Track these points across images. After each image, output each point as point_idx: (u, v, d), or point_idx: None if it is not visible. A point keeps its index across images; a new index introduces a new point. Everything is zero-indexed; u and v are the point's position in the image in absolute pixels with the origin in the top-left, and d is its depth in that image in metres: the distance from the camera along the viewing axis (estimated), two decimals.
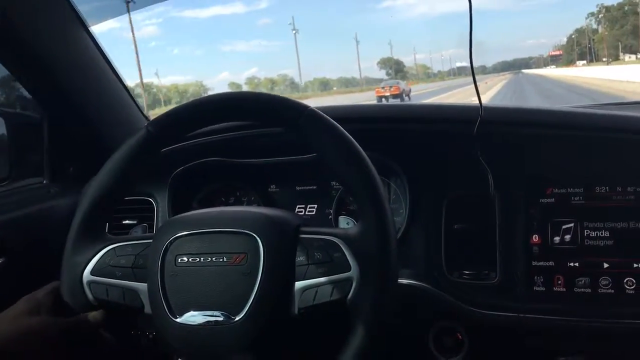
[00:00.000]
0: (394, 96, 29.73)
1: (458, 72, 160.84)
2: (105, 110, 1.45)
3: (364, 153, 0.79)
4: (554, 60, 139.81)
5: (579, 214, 1.05)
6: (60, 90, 1.33)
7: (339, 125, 0.81)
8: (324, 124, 0.81)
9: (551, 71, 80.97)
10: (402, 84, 34.96)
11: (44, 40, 1.24)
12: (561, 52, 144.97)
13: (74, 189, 1.39)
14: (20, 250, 1.24)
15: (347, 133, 0.81)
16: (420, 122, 1.19)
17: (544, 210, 1.07)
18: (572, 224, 1.05)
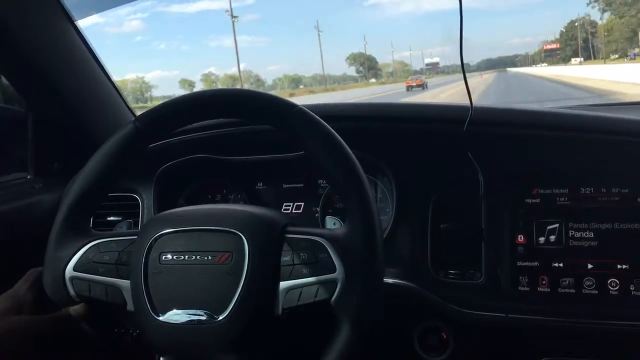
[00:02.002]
0: (419, 86, 40.08)
1: (427, 70, 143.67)
2: (91, 104, 1.44)
3: (351, 153, 0.79)
4: (549, 55, 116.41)
5: (564, 215, 1.06)
6: (45, 84, 1.31)
7: (326, 124, 0.81)
8: (312, 123, 0.81)
9: (543, 70, 64.37)
10: (423, 78, 50.16)
11: (29, 34, 1.22)
12: (558, 46, 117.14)
13: (58, 184, 1.37)
14: (3, 245, 1.22)
15: (334, 132, 0.80)
16: (409, 121, 1.19)
17: (529, 210, 1.08)
18: (557, 225, 1.06)
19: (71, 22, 1.32)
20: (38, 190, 1.37)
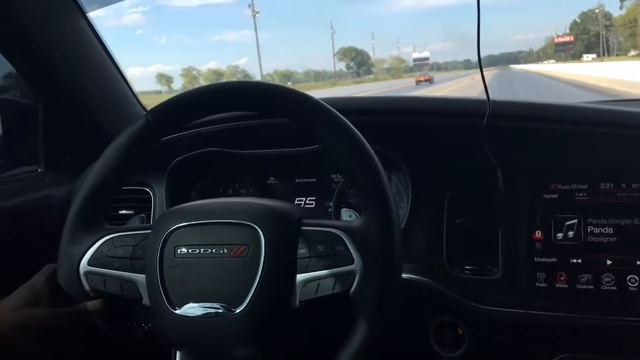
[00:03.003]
0: (426, 80, 45.72)
1: (415, 65, 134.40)
2: (101, 98, 1.43)
3: (367, 145, 0.79)
4: (560, 50, 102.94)
5: (582, 210, 1.05)
6: (56, 76, 1.31)
7: (342, 117, 0.80)
8: (327, 115, 0.80)
9: (554, 68, 53.32)
10: (430, 74, 57.24)
11: (41, 26, 1.22)
12: (572, 39, 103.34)
13: (69, 177, 1.37)
14: (14, 238, 1.22)
15: (350, 124, 0.80)
16: (425, 115, 1.18)
17: (547, 206, 1.06)
18: (575, 220, 1.05)
19: (82, 13, 1.31)
20: (49, 184, 1.37)
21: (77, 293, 0.81)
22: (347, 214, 1.14)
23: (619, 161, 1.04)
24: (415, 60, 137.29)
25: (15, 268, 1.09)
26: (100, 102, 1.43)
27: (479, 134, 1.03)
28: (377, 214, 0.76)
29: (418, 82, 46.01)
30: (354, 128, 0.79)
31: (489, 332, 1.09)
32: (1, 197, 1.25)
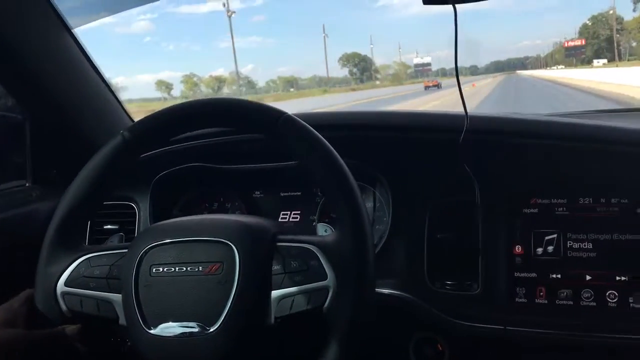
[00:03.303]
0: (435, 86, 47.90)
1: (416, 72, 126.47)
2: (88, 111, 1.43)
3: (341, 161, 0.79)
4: (571, 54, 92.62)
5: (562, 225, 1.05)
6: (42, 91, 1.31)
7: (315, 132, 0.80)
8: (300, 131, 0.80)
9: (564, 74, 46.79)
10: (437, 79, 57.56)
11: (24, 41, 1.22)
12: (583, 42, 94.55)
13: (56, 192, 1.37)
14: (1, 252, 1.22)
15: (324, 139, 0.80)
16: (404, 130, 1.18)
17: (527, 220, 1.06)
18: (555, 235, 1.05)
19: (67, 29, 1.31)
20: (35, 198, 1.37)
21: (54, 314, 0.81)
22: (322, 229, 1.14)
23: (598, 176, 1.04)
24: (416, 65, 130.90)
25: (1, 283, 1.09)
26: (87, 116, 1.43)
27: (456, 149, 1.03)
28: (350, 229, 0.76)
29: (427, 87, 48.54)
30: (327, 144, 0.80)
31: (469, 348, 1.09)
32: None
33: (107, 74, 1.46)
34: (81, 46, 1.35)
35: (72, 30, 1.31)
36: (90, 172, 0.85)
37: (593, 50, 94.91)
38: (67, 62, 1.34)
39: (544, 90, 26.83)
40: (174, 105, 0.87)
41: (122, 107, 1.54)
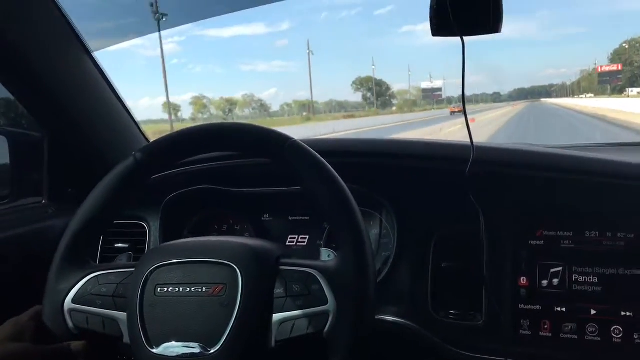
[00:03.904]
0: (460, 112, 46.46)
1: (424, 97, 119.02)
2: (105, 131, 1.47)
3: (345, 186, 0.80)
4: (605, 81, 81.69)
5: (568, 258, 1.04)
6: (61, 111, 1.35)
7: (321, 158, 0.82)
8: (306, 156, 0.82)
9: (600, 104, 35.72)
10: (459, 106, 60.97)
11: (45, 62, 1.26)
12: (620, 68, 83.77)
13: (71, 210, 1.39)
14: (13, 269, 1.25)
15: (329, 167, 0.82)
16: (410, 158, 1.19)
17: (533, 252, 1.06)
18: (560, 268, 1.04)
19: (87, 51, 1.36)
20: (51, 215, 1.40)
21: (61, 330, 0.83)
22: (326, 254, 1.16)
23: (605, 210, 1.04)
24: (425, 90, 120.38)
25: (15, 297, 1.12)
26: (104, 136, 1.47)
27: (462, 179, 1.04)
28: (352, 255, 0.77)
29: (452, 112, 51.03)
30: (332, 170, 0.81)
31: None
32: (5, 227, 1.28)
33: (133, 95, 1.47)
34: (100, 68, 1.40)
35: (92, 53, 1.36)
36: (101, 191, 0.88)
37: (626, 77, 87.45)
38: (86, 83, 1.38)
39: (581, 130, 20.67)
40: (184, 129, 0.89)
41: (138, 128, 1.58)
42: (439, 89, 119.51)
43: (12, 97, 1.32)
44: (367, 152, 1.23)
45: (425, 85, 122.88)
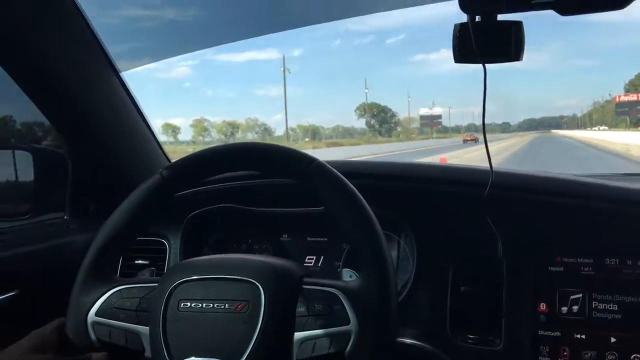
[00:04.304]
0: (472, 140, 51.40)
1: (423, 124, 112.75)
2: (129, 149, 1.50)
3: (368, 207, 0.82)
4: (623, 112, 77.88)
5: (588, 285, 1.04)
6: (88, 129, 1.38)
7: (345, 179, 0.84)
8: (330, 177, 0.84)
9: (607, 137, 34.01)
10: (475, 134, 55.97)
11: (74, 80, 1.30)
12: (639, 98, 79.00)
13: (92, 226, 1.42)
14: (34, 283, 1.26)
15: (353, 187, 0.83)
16: (431, 182, 1.21)
17: (552, 278, 1.06)
18: (580, 295, 1.04)
19: (115, 72, 1.39)
20: (72, 231, 1.43)
21: (83, 343, 0.84)
22: (347, 274, 1.16)
23: (625, 237, 1.04)
24: (423, 117, 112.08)
25: (33, 311, 1.13)
26: (127, 154, 1.50)
27: (481, 203, 1.04)
28: (375, 276, 0.78)
29: (465, 141, 53.17)
30: (357, 191, 0.83)
31: None
32: (27, 242, 1.30)
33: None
34: (127, 87, 1.43)
35: (120, 73, 1.39)
36: (128, 207, 0.90)
37: None
38: (113, 102, 1.41)
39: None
40: (210, 147, 0.92)
41: (160, 147, 1.60)
42: (439, 117, 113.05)
43: (39, 113, 1.35)
44: (388, 175, 1.24)
45: (424, 111, 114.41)
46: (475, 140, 50.63)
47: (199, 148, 0.98)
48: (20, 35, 1.17)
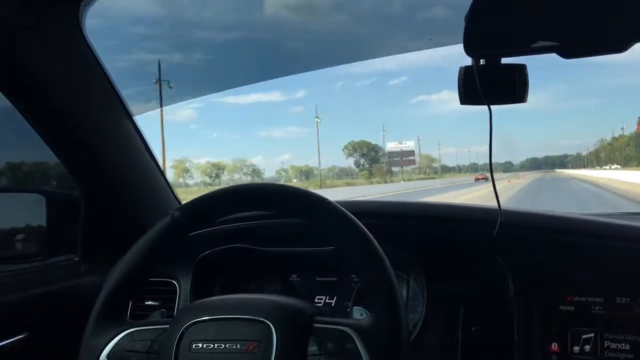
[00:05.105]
0: (483, 179, 48.38)
1: (393, 161, 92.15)
2: (141, 193, 1.52)
3: (379, 247, 0.83)
4: None
5: (599, 324, 1.04)
6: (101, 172, 1.41)
7: (355, 219, 0.85)
8: (340, 217, 0.85)
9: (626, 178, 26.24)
10: (487, 174, 53.37)
11: (89, 124, 1.34)
12: None
13: (104, 268, 1.43)
14: (44, 326, 1.27)
15: (363, 226, 0.84)
16: (439, 221, 1.22)
17: (563, 317, 1.06)
18: (592, 334, 1.04)
19: (129, 115, 1.43)
20: (83, 273, 1.44)
21: None
22: (358, 312, 1.16)
23: (634, 275, 1.04)
24: (391, 154, 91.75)
25: (42, 355, 1.13)
26: (139, 196, 1.52)
27: (490, 242, 1.05)
28: (386, 315, 0.78)
29: (477, 179, 53.25)
30: (367, 231, 0.84)
31: None
32: (38, 284, 1.31)
33: None
34: (139, 131, 1.46)
35: (133, 117, 1.43)
36: (140, 249, 0.91)
37: None
38: (126, 146, 1.44)
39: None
40: (219, 189, 0.94)
41: (171, 189, 1.62)
42: (410, 152, 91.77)
43: (52, 157, 1.38)
44: (397, 213, 1.26)
45: (392, 146, 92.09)
46: (486, 179, 51.32)
47: (180, 192, 0.99)
48: (37, 79, 1.20)
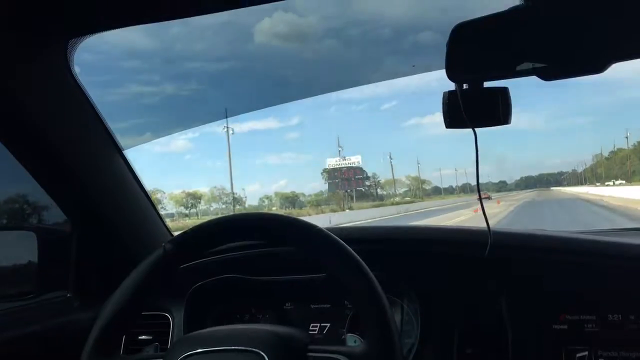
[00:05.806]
0: (487, 198, 48.23)
1: (329, 182, 77.09)
2: (132, 227, 1.52)
3: (370, 273, 0.83)
4: None
5: (593, 342, 1.04)
6: (92, 207, 1.41)
7: (345, 245, 0.85)
8: (331, 243, 0.86)
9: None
10: (489, 193, 62.31)
11: (79, 160, 1.34)
12: None
13: (95, 303, 1.42)
14: None
15: (354, 253, 0.85)
16: (430, 244, 1.22)
17: (557, 336, 1.06)
18: (586, 352, 1.04)
19: (118, 149, 1.44)
20: (75, 309, 1.42)
21: None
22: (352, 340, 1.16)
23: (626, 292, 1.05)
24: (331, 172, 75.91)
25: None
26: (129, 230, 1.52)
27: (482, 264, 1.06)
28: (379, 341, 0.79)
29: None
30: (358, 257, 0.84)
31: None
32: (30, 322, 1.30)
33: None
34: (130, 165, 1.47)
35: (123, 151, 1.43)
36: (132, 283, 0.91)
37: None
38: (116, 180, 1.45)
39: None
40: (209, 220, 0.94)
41: (162, 221, 1.62)
42: (358, 168, 75.49)
43: (43, 194, 1.38)
44: (387, 238, 1.26)
45: (335, 162, 75.77)
46: (489, 197, 52.55)
47: None
48: (24, 115, 1.21)
